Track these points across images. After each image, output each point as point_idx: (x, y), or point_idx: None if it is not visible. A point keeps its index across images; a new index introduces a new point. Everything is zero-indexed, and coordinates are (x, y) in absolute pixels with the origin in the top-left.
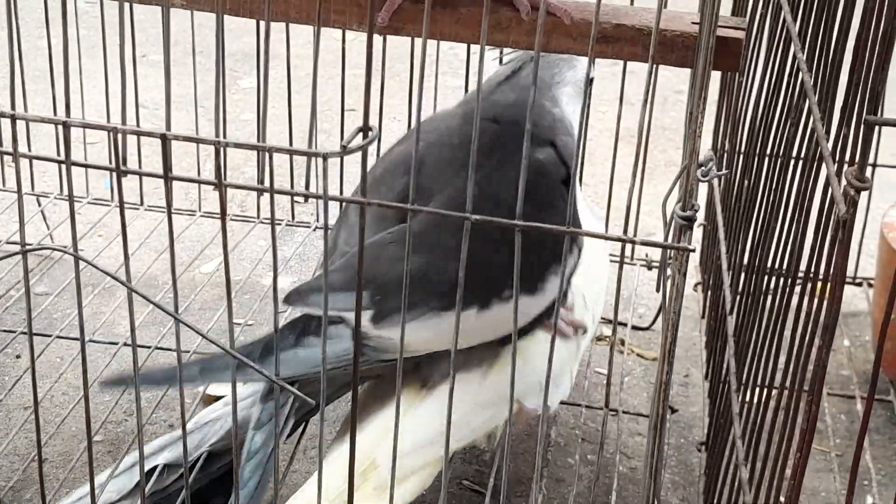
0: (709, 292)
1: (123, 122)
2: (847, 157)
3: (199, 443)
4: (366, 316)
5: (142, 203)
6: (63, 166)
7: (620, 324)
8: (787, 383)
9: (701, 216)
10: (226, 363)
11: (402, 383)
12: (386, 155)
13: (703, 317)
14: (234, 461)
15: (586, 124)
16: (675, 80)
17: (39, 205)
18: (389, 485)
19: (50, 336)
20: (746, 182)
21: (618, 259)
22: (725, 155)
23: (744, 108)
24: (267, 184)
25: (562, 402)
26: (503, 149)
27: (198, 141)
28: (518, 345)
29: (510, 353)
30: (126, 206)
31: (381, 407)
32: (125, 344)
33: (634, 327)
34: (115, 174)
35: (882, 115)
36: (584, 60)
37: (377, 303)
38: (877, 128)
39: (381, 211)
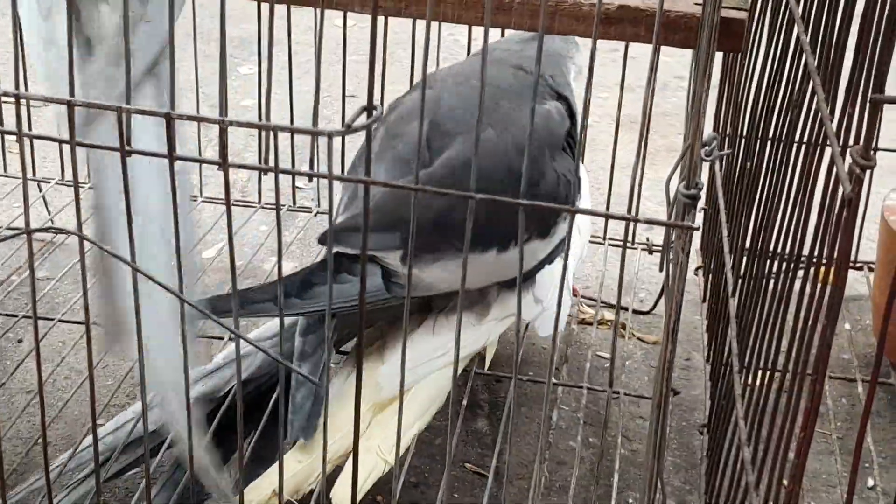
0: (710, 276)
1: (127, 102)
2: (851, 139)
3: (230, 378)
4: (396, 255)
5: None
6: (66, 150)
7: (622, 308)
8: (791, 364)
9: (702, 200)
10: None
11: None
12: (397, 104)
13: (703, 301)
14: (237, 405)
15: (587, 110)
16: (676, 65)
17: (41, 190)
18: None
19: (52, 320)
20: (749, 165)
21: (620, 243)
22: (727, 137)
23: (746, 90)
24: (271, 163)
25: (563, 385)
26: (524, 94)
27: (201, 120)
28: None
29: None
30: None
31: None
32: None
33: (635, 311)
34: (119, 155)
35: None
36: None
37: (407, 243)
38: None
39: (402, 153)
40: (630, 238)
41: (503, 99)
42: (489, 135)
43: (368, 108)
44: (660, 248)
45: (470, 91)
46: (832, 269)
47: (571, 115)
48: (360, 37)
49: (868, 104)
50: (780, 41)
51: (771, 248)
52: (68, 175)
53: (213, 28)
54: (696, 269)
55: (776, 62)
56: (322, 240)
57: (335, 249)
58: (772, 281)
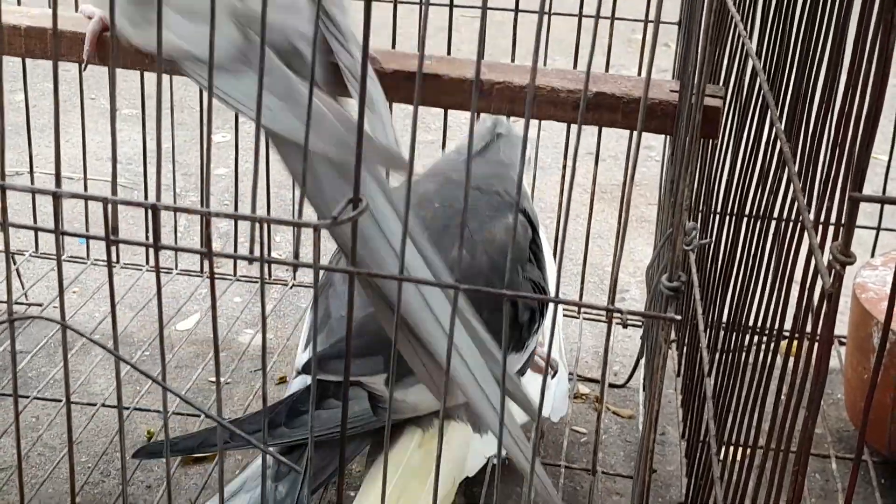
0: (684, 349)
1: (114, 192)
2: (827, 220)
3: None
4: (381, 379)
5: (118, 261)
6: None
7: (595, 380)
8: (773, 446)
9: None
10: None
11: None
12: None
13: (678, 375)
14: None
15: (569, 194)
16: (644, 135)
17: (14, 263)
18: None
19: (28, 397)
20: (723, 244)
21: (594, 317)
22: (700, 216)
23: (718, 172)
24: (257, 252)
25: (542, 463)
26: (484, 212)
27: (187, 211)
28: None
29: None
30: (99, 263)
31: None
32: (104, 405)
33: (610, 385)
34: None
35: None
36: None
37: (389, 366)
38: None
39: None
40: (607, 320)
41: (469, 220)
42: (464, 257)
43: (355, 200)
44: (634, 322)
45: (433, 215)
46: (805, 345)
47: (530, 221)
48: None
49: (847, 201)
50: (755, 125)
51: (747, 324)
52: (42, 248)
53: (186, 96)
54: (670, 342)
55: (750, 146)
56: (306, 370)
57: (319, 377)
58: (750, 357)
